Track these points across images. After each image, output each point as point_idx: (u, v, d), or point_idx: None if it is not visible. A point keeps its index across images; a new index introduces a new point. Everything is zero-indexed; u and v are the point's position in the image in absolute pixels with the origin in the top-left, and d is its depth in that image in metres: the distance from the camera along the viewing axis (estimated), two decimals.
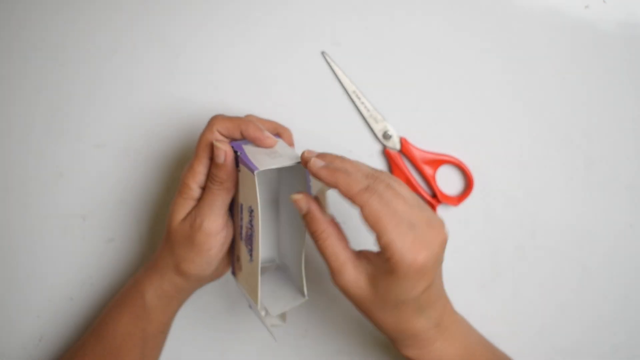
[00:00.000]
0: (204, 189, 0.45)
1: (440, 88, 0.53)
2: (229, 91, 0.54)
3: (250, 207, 0.42)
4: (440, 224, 0.39)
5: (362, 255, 0.41)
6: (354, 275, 0.40)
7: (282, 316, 0.48)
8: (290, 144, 0.49)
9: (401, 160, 0.53)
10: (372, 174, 0.39)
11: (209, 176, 0.44)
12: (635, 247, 0.55)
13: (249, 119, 0.45)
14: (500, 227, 0.54)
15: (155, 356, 0.50)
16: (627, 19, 0.51)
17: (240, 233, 0.45)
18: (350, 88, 0.53)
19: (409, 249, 0.37)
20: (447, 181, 0.54)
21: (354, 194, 0.38)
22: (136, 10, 0.54)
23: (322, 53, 0.54)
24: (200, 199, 0.45)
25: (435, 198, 0.49)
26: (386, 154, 0.54)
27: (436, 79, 0.53)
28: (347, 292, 0.40)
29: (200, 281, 0.48)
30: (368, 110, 0.54)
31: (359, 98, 0.53)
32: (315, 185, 0.42)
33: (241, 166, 0.43)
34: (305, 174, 0.42)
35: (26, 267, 0.56)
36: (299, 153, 0.42)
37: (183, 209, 0.45)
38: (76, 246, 0.56)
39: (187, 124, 0.55)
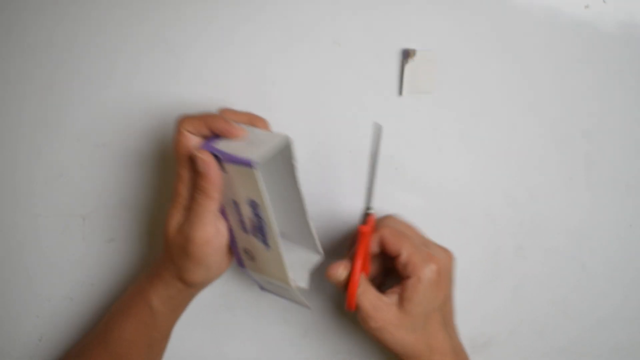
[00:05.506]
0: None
1: (439, 86, 0.53)
2: (229, 92, 0.54)
3: (251, 200, 0.42)
4: (448, 250, 0.47)
5: (388, 292, 0.45)
6: (388, 312, 0.44)
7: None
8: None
9: None
10: (383, 217, 0.48)
11: (194, 186, 0.43)
12: (635, 247, 0.55)
13: (216, 113, 0.44)
14: (500, 227, 0.54)
15: None
16: (627, 19, 0.51)
17: (243, 227, 0.45)
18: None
19: (425, 259, 0.44)
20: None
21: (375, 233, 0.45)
22: (137, 10, 0.53)
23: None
24: (188, 209, 0.44)
25: None
26: None
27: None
28: (385, 331, 0.43)
29: (205, 283, 0.48)
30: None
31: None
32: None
33: (226, 165, 0.42)
34: (289, 149, 0.43)
35: (26, 267, 0.56)
36: (277, 131, 0.43)
37: (175, 219, 0.45)
38: (76, 246, 0.56)
39: None
